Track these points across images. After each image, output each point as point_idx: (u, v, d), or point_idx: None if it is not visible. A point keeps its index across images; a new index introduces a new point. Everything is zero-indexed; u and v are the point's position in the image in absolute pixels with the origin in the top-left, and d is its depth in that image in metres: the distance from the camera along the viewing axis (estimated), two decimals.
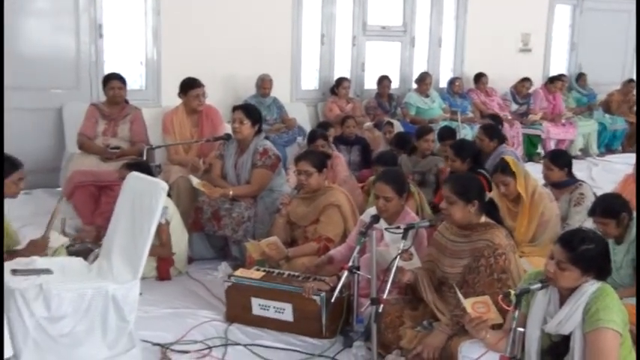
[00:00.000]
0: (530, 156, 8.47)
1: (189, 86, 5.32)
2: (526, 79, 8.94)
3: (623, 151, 9.33)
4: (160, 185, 3.12)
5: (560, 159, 4.64)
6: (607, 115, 9.50)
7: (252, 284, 3.67)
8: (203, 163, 5.03)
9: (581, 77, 9.85)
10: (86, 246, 4.26)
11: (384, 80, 7.96)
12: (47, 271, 3.05)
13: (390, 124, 6.76)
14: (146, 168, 4.20)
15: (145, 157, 4.74)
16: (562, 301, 2.62)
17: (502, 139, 5.64)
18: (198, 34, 6.78)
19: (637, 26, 9.60)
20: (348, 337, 3.48)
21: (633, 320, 3.07)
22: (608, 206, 3.60)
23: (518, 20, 9.31)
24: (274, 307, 3.61)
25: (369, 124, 7.53)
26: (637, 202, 4.24)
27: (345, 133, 6.58)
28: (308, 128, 7.01)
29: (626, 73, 10.33)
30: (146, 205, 3.09)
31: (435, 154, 5.62)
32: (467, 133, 7.71)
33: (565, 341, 2.58)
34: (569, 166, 4.63)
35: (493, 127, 5.76)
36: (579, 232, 2.64)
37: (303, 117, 7.50)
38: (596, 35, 9.98)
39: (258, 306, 3.64)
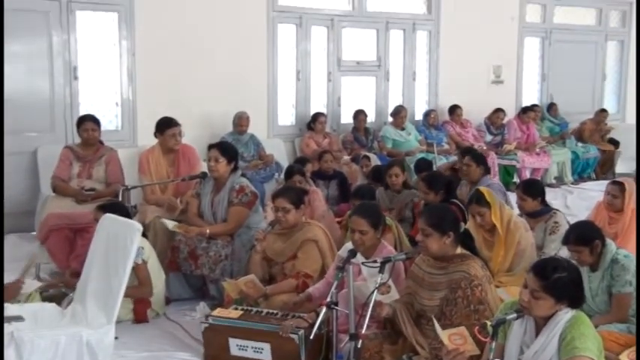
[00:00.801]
0: (506, 185, 8.53)
1: (166, 126, 5.33)
2: (500, 110, 9.09)
3: (597, 178, 9.48)
4: (135, 226, 3.11)
5: (532, 189, 4.70)
6: (580, 144, 9.66)
7: (230, 324, 3.62)
8: (180, 202, 5.02)
9: (552, 107, 10.03)
10: (60, 290, 4.20)
11: (359, 114, 8.05)
12: (18, 318, 2.99)
13: (367, 157, 6.81)
14: (122, 209, 4.17)
15: (120, 198, 4.71)
16: (538, 330, 2.64)
17: (488, 169, 5.70)
18: (173, 74, 6.83)
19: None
20: None
21: (608, 347, 3.09)
22: (581, 234, 3.64)
23: (490, 53, 9.50)
24: (252, 347, 3.57)
25: (346, 158, 7.57)
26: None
27: (323, 168, 6.61)
28: (285, 164, 7.03)
29: (595, 102, 10.56)
30: (120, 246, 3.08)
31: (412, 187, 5.64)
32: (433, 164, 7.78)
33: None
34: (542, 195, 4.69)
35: (482, 155, 5.82)
36: (552, 261, 2.68)
37: (280, 153, 7.54)
38: (566, 66, 10.22)
39: (236, 346, 3.59)
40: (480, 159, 5.58)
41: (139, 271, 4.16)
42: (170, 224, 4.52)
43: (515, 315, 2.61)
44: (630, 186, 4.70)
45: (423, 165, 6.47)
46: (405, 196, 5.47)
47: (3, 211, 3.40)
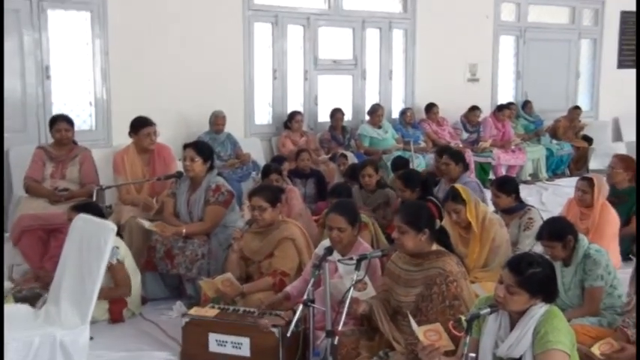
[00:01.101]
0: (482, 182, 8.59)
1: (140, 125, 5.28)
2: (476, 108, 9.17)
3: (571, 174, 9.60)
4: (109, 226, 3.09)
5: (506, 186, 4.76)
6: (554, 141, 9.79)
7: (210, 320, 3.62)
8: (156, 202, 4.98)
9: (527, 105, 10.14)
10: (34, 291, 4.15)
11: (336, 113, 8.06)
12: None
13: (344, 156, 6.83)
14: (96, 209, 4.14)
15: (95, 198, 4.66)
16: (512, 324, 2.67)
17: (467, 166, 5.73)
18: (148, 73, 6.78)
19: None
20: None
21: (581, 340, 3.14)
22: (554, 229, 3.69)
23: (466, 51, 9.57)
24: (232, 343, 3.56)
25: (323, 156, 7.58)
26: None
27: (300, 167, 6.61)
28: (262, 163, 7.02)
29: (569, 100, 10.69)
30: (94, 246, 3.05)
31: (387, 186, 5.65)
32: (420, 162, 7.84)
33: None
34: (517, 192, 4.75)
35: (459, 152, 5.85)
36: (527, 257, 2.71)
37: (257, 152, 7.52)
38: (540, 64, 10.33)
39: (216, 342, 3.59)
40: (457, 157, 5.61)
41: (114, 271, 4.13)
42: (147, 223, 4.49)
43: (488, 310, 2.64)
44: (599, 181, 4.79)
45: (400, 163, 6.49)
46: (378, 195, 5.47)
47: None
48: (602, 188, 4.75)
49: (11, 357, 2.82)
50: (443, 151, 6.11)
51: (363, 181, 5.45)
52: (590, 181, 4.77)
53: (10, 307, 3.35)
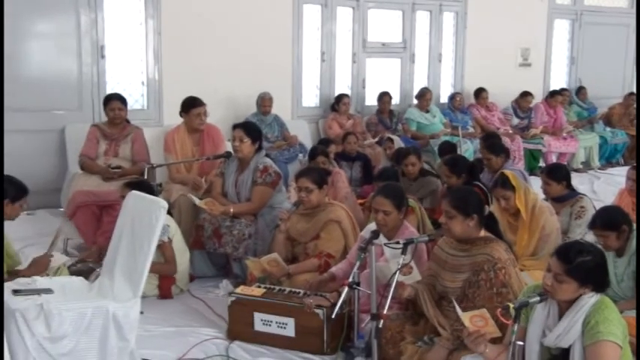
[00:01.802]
0: (532, 170, 8.46)
1: (191, 105, 5.36)
2: (528, 94, 8.97)
3: (625, 163, 9.32)
4: (160, 204, 3.14)
5: (556, 173, 4.65)
6: (608, 129, 9.52)
7: (255, 299, 3.67)
8: (205, 182, 5.06)
9: (581, 91, 9.88)
10: (88, 265, 4.28)
11: (384, 96, 8.00)
12: (48, 291, 3.06)
13: (391, 140, 6.78)
14: (147, 187, 4.23)
15: (146, 176, 4.77)
16: (561, 314, 2.62)
17: (508, 153, 5.62)
18: (198, 54, 6.85)
19: (637, 34, 9.62)
20: (349, 354, 3.47)
21: (633, 332, 3.06)
22: (608, 219, 3.60)
23: (518, 35, 9.36)
24: (277, 322, 3.61)
25: (370, 140, 7.55)
26: (637, 211, 4.25)
27: (347, 150, 6.61)
28: (309, 145, 7.04)
29: (625, 86, 10.36)
30: (146, 223, 3.11)
31: (430, 173, 5.57)
32: (468, 147, 7.73)
33: (564, 354, 2.57)
34: (568, 179, 4.64)
35: (495, 143, 5.74)
36: (576, 245, 2.65)
37: (304, 134, 7.54)
38: (596, 49, 10.03)
39: (261, 321, 3.64)
40: (495, 149, 5.47)
41: (164, 249, 4.22)
42: (197, 200, 4.56)
43: (538, 298, 2.59)
44: None
45: (447, 148, 6.41)
46: (420, 184, 5.38)
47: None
48: None
49: (66, 327, 2.92)
50: (484, 140, 6.04)
51: (406, 170, 5.40)
52: None
53: (65, 279, 3.46)
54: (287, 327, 3.59)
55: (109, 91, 6.21)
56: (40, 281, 3.22)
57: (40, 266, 3.57)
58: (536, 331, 2.65)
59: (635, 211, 4.31)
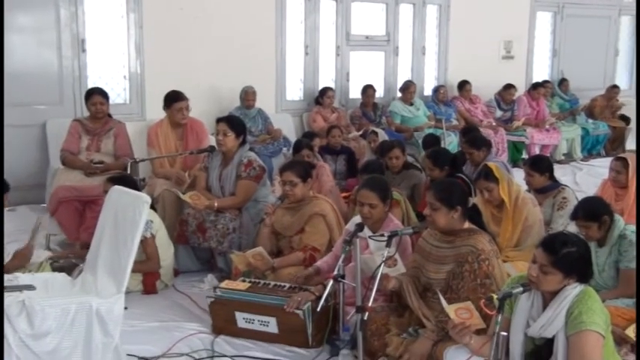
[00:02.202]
0: (515, 162, 8.53)
1: (173, 99, 5.33)
2: (511, 86, 9.02)
3: (606, 155, 9.42)
4: (143, 198, 3.11)
5: (539, 165, 4.69)
6: (590, 120, 9.60)
7: (235, 298, 3.65)
8: (188, 176, 5.03)
9: (563, 83, 9.94)
10: (70, 261, 4.24)
11: (368, 89, 8.00)
12: (30, 287, 3.02)
13: (375, 133, 6.78)
14: (130, 182, 4.18)
15: (129, 171, 4.73)
16: (545, 304, 2.64)
17: (489, 146, 5.64)
18: (181, 47, 6.80)
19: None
20: (334, 346, 3.48)
21: (615, 322, 3.10)
22: (589, 209, 3.64)
23: (501, 28, 9.40)
24: (259, 321, 3.60)
25: (354, 133, 7.55)
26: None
27: (331, 143, 6.60)
28: (293, 139, 7.02)
29: (607, 78, 10.45)
30: (129, 218, 3.09)
31: (413, 167, 5.57)
32: (452, 140, 7.76)
33: (548, 344, 2.60)
34: (550, 171, 4.67)
35: (476, 137, 5.75)
36: (561, 236, 2.67)
37: (288, 127, 7.52)
38: (578, 41, 10.10)
39: (243, 319, 3.63)
40: (477, 143, 5.49)
41: (146, 245, 4.19)
42: (181, 194, 4.53)
43: (521, 289, 2.61)
44: (633, 161, 4.68)
45: (431, 141, 6.44)
46: (403, 177, 5.38)
47: (3, 211, 3.42)
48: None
49: (49, 324, 2.89)
50: (464, 134, 6.07)
51: (390, 163, 5.39)
52: (624, 161, 4.66)
53: (47, 275, 3.43)
54: (269, 325, 3.58)
55: (91, 85, 6.15)
56: (22, 278, 3.19)
57: (20, 258, 3.54)
58: (520, 321, 2.67)
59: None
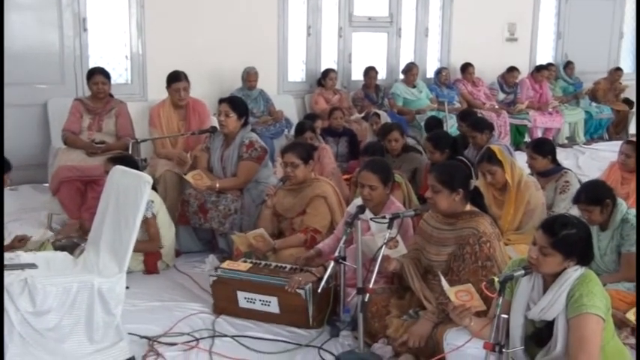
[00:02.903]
0: (517, 145, 8.51)
1: (172, 80, 5.32)
2: (514, 69, 8.97)
3: (609, 138, 9.40)
4: (145, 178, 3.10)
5: (542, 148, 4.67)
6: (593, 104, 9.55)
7: (237, 277, 3.67)
8: (190, 157, 5.02)
9: (568, 66, 9.88)
10: (72, 241, 4.25)
11: (370, 71, 7.96)
12: (32, 266, 3.04)
13: (377, 115, 6.76)
14: (132, 162, 4.19)
15: (130, 151, 4.73)
16: (545, 287, 2.64)
17: (491, 128, 5.63)
18: (183, 27, 6.75)
19: (637, 19, 9.64)
20: (334, 327, 3.49)
21: (616, 305, 3.11)
22: (592, 193, 3.63)
23: (504, 10, 9.32)
24: (260, 300, 3.61)
25: (356, 115, 7.53)
26: (637, 200, 4.27)
27: (333, 125, 6.58)
28: (295, 120, 7.00)
29: (611, 61, 10.38)
30: (131, 198, 3.08)
31: (413, 149, 5.55)
32: (454, 123, 7.73)
33: (549, 327, 2.60)
34: (553, 154, 4.66)
35: (478, 120, 5.74)
36: (561, 218, 2.66)
37: (290, 109, 7.49)
38: (582, 24, 10.02)
39: (244, 299, 3.64)
40: (479, 126, 5.48)
41: (148, 225, 4.20)
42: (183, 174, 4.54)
43: (522, 272, 2.61)
44: None
45: (433, 123, 6.41)
46: (402, 159, 5.35)
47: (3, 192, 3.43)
48: None
49: (51, 302, 2.89)
50: (463, 118, 6.04)
51: (389, 146, 5.37)
52: (634, 145, 4.64)
53: (49, 254, 3.44)
54: (271, 304, 3.59)
55: (92, 64, 6.12)
56: (23, 256, 3.20)
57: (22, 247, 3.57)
58: (520, 304, 2.67)
59: (636, 198, 4.32)
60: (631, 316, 3.21)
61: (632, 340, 3.25)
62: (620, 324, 3.20)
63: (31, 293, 2.83)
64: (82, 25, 6.32)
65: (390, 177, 3.81)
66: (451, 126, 7.52)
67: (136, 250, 4.00)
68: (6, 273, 2.91)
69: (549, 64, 9.55)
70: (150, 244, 4.27)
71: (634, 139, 4.88)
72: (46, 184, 5.72)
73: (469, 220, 3.16)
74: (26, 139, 6.09)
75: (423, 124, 7.22)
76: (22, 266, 3.01)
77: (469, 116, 6.16)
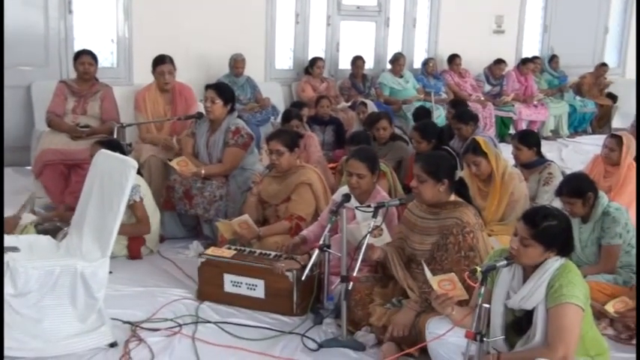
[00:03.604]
0: (502, 137, 8.57)
1: (156, 62, 5.26)
2: (501, 61, 9.00)
3: (593, 132, 9.48)
4: (130, 163, 3.10)
5: (528, 139, 4.71)
6: (578, 98, 9.62)
7: (226, 261, 3.67)
8: (176, 142, 5.00)
9: (553, 59, 9.93)
10: (55, 224, 4.22)
11: (357, 60, 7.95)
12: (14, 249, 3.02)
13: (364, 104, 6.75)
14: (117, 146, 4.16)
15: (115, 136, 4.68)
16: (526, 277, 2.67)
17: (476, 120, 5.66)
18: (170, 12, 6.70)
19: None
20: (318, 315, 3.51)
21: (595, 297, 3.15)
22: (574, 186, 3.67)
23: (492, 2, 9.34)
24: (246, 284, 3.62)
25: (343, 104, 7.52)
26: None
27: (319, 113, 6.57)
28: (282, 108, 6.99)
29: (596, 56, 10.45)
30: (116, 182, 3.07)
31: (399, 138, 5.56)
32: (440, 114, 7.76)
33: (528, 316, 2.63)
34: (538, 146, 4.70)
35: (464, 112, 5.77)
36: (542, 209, 2.69)
37: (277, 96, 7.48)
38: (568, 18, 10.07)
39: (230, 282, 3.65)
40: (464, 117, 5.50)
41: (136, 208, 4.18)
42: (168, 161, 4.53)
43: (505, 262, 2.64)
44: (628, 140, 4.71)
45: (422, 113, 6.43)
46: (389, 148, 5.35)
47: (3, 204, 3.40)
48: (631, 147, 4.67)
49: (32, 285, 2.88)
50: (453, 106, 6.08)
51: (377, 134, 5.38)
52: (619, 139, 4.69)
53: (32, 237, 3.42)
54: (257, 288, 3.60)
55: (77, 47, 6.05)
56: (6, 239, 3.17)
57: (7, 227, 3.51)
58: (501, 293, 2.71)
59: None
60: (610, 307, 3.25)
61: (610, 332, 3.31)
62: (598, 315, 3.25)
63: (12, 276, 2.82)
64: (67, 7, 6.25)
65: (377, 166, 3.83)
66: (437, 117, 7.55)
67: (124, 233, 4.01)
68: None
69: (535, 57, 9.60)
70: (139, 227, 4.24)
71: (619, 132, 4.92)
72: (29, 167, 5.67)
73: (453, 210, 3.19)
74: (10, 122, 6.02)
75: (410, 114, 7.23)
76: (5, 249, 2.98)
77: (459, 105, 6.18)
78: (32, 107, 6.07)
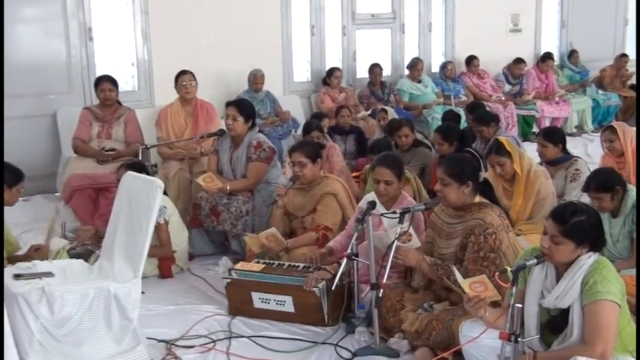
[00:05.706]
0: (525, 136, 8.49)
1: (178, 75, 5.43)
2: (520, 60, 8.94)
3: None
4: (156, 183, 3.14)
5: (553, 135, 4.68)
6: (600, 91, 9.50)
7: (251, 279, 3.68)
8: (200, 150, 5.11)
9: (572, 54, 9.84)
10: (87, 248, 4.28)
11: (375, 68, 7.97)
12: (49, 274, 3.08)
13: (384, 111, 6.77)
14: (142, 168, 4.22)
15: (140, 157, 4.76)
16: (559, 275, 2.65)
17: (497, 120, 5.63)
18: (187, 32, 6.79)
19: (637, 28, 9.58)
20: (350, 324, 3.51)
21: (631, 291, 3.10)
22: (601, 180, 3.62)
23: (507, 1, 9.30)
24: (275, 300, 3.63)
25: (363, 113, 7.54)
26: (637, 187, 4.25)
27: (340, 123, 6.60)
28: (302, 120, 7.02)
29: (617, 48, 10.32)
30: (143, 203, 3.11)
31: (422, 144, 5.56)
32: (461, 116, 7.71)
33: (564, 315, 2.60)
34: (564, 142, 4.66)
35: (483, 114, 5.74)
36: (570, 205, 2.67)
37: (296, 109, 7.51)
38: (586, 12, 9.97)
39: (259, 299, 3.66)
40: (485, 119, 5.48)
41: (160, 231, 4.22)
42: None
43: (535, 261, 2.61)
44: (620, 126, 4.69)
45: (450, 117, 6.40)
46: (412, 154, 5.36)
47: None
48: (627, 133, 4.62)
49: (69, 309, 2.93)
50: (470, 111, 6.04)
51: (400, 141, 5.39)
52: (612, 129, 4.66)
53: (65, 262, 3.47)
54: (286, 304, 3.61)
55: (99, 73, 6.15)
56: (40, 265, 3.23)
57: (39, 254, 3.60)
58: (534, 293, 2.68)
59: (636, 186, 4.31)
60: None
61: None
62: (634, 310, 3.19)
63: (49, 301, 2.87)
64: (87, 34, 6.37)
65: (403, 171, 3.86)
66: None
67: (148, 255, 4.04)
68: (24, 282, 2.95)
69: (548, 54, 9.47)
70: (161, 250, 4.29)
71: (611, 123, 4.90)
72: (57, 194, 5.77)
73: (477, 212, 3.18)
74: (37, 150, 6.14)
75: (430, 118, 7.22)
76: (40, 275, 3.04)
77: (477, 108, 6.16)
78: (58, 134, 6.18)
